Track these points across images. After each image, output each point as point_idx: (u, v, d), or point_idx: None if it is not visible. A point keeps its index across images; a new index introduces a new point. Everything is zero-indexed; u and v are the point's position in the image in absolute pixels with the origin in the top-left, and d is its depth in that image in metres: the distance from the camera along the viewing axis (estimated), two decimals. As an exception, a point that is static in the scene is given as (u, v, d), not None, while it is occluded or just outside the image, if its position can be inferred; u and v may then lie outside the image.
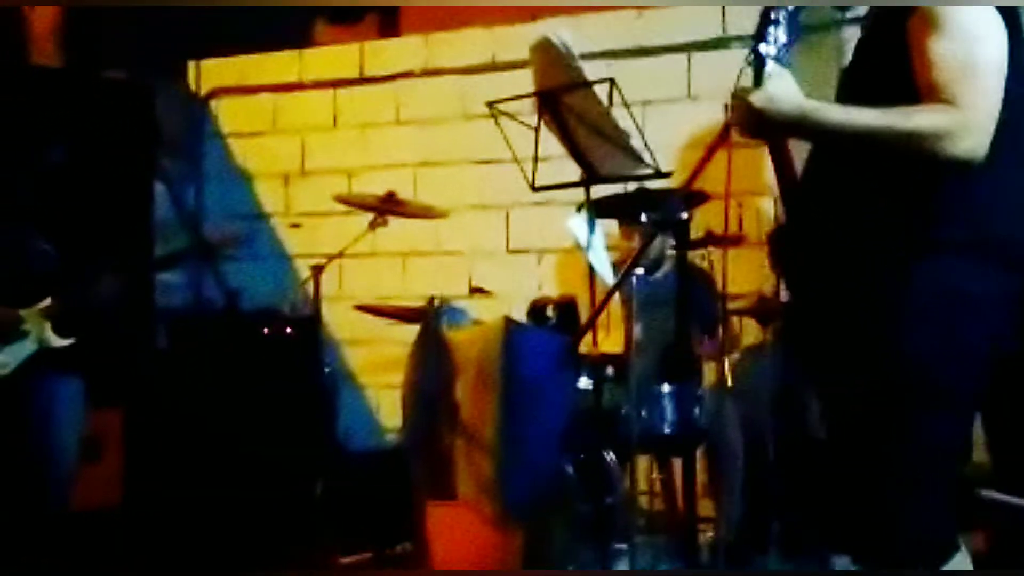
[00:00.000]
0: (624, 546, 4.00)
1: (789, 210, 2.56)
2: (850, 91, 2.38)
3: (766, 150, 4.20)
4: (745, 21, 4.74)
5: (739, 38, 4.89)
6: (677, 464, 4.24)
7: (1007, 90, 2.17)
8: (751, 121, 2.27)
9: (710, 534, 4.13)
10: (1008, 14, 2.21)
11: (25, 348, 3.90)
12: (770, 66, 2.26)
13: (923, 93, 2.16)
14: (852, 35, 4.44)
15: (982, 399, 2.28)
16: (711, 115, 4.68)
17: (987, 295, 2.22)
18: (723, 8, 5.00)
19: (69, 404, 4.10)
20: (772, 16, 2.28)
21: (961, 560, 2.28)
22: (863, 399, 2.28)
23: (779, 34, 2.27)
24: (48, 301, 3.96)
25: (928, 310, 2.19)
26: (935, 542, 2.27)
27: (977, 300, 2.21)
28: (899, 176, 2.21)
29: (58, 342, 3.97)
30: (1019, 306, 2.28)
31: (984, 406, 2.29)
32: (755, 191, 4.85)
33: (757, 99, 2.24)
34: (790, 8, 2.31)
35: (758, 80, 2.26)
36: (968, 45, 2.15)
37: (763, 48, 2.26)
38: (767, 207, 4.79)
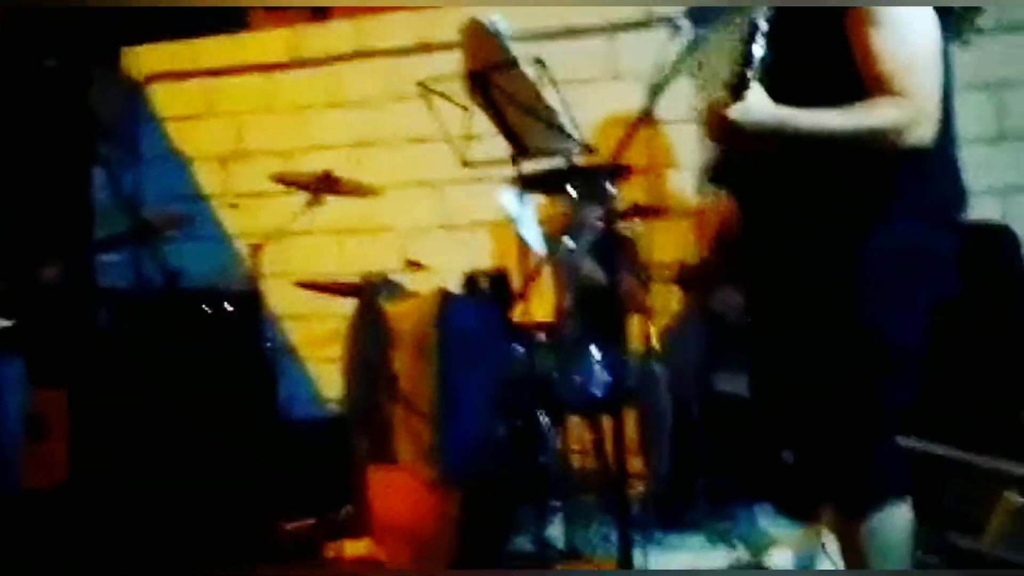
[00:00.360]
0: (558, 503, 4.08)
1: (720, 175, 2.58)
2: (776, 88, 2.33)
3: (685, 129, 4.29)
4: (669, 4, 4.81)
5: (661, 19, 4.89)
6: (608, 425, 4.21)
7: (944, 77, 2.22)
8: (728, 133, 2.29)
9: (640, 488, 4.20)
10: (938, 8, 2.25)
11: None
12: (751, 75, 2.24)
13: (871, 86, 2.19)
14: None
15: (929, 358, 2.31)
16: (635, 94, 4.72)
17: (935, 253, 2.30)
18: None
19: (12, 384, 4.10)
20: (754, 35, 2.25)
21: (904, 510, 2.32)
22: (825, 357, 2.30)
23: (757, 51, 2.25)
24: (-10, 282, 3.94)
25: (889, 271, 2.24)
26: (887, 491, 2.30)
27: (927, 257, 2.28)
28: (856, 162, 2.25)
29: (1, 323, 3.95)
30: (958, 260, 2.34)
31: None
32: (675, 165, 4.94)
33: (736, 113, 2.24)
34: (764, 28, 2.26)
35: (736, 94, 2.24)
36: (910, 37, 2.18)
37: (755, 50, 2.23)
38: (687, 181, 4.89)
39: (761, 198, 2.48)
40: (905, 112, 2.17)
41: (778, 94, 2.28)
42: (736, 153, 2.54)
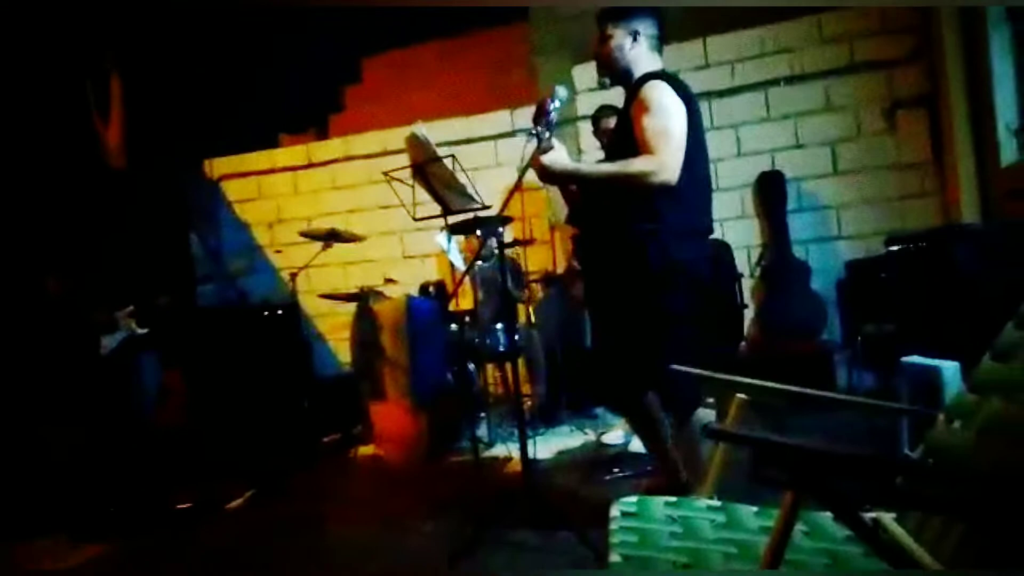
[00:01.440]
0: (483, 414, 4.10)
1: (573, 218, 2.54)
2: (612, 149, 2.30)
3: (550, 190, 4.13)
4: (526, 120, 4.82)
5: (523, 130, 4.94)
6: (509, 368, 4.29)
7: (689, 139, 2.14)
8: (544, 174, 2.24)
9: (529, 403, 4.20)
10: (685, 93, 2.17)
11: (119, 336, 3.75)
12: (546, 141, 2.20)
13: (639, 148, 2.13)
14: (583, 127, 4.62)
15: (695, 312, 2.22)
16: (510, 173, 4.73)
17: (690, 257, 2.20)
18: (511, 112, 5.03)
19: (151, 368, 3.95)
20: (546, 111, 2.22)
21: (703, 414, 2.25)
22: (623, 317, 2.22)
23: (553, 118, 2.22)
24: (131, 307, 3.79)
25: (658, 270, 2.17)
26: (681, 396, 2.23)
27: (685, 261, 2.18)
28: (629, 196, 2.18)
29: (140, 332, 3.80)
30: (709, 259, 2.29)
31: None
32: (538, 214, 4.95)
33: (547, 161, 2.21)
34: (558, 103, 2.23)
35: (539, 149, 2.21)
36: (661, 115, 2.11)
37: (540, 130, 2.21)
38: (545, 223, 4.90)
39: (589, 228, 2.46)
40: (650, 163, 2.08)
41: (612, 152, 2.24)
42: (575, 204, 2.51)
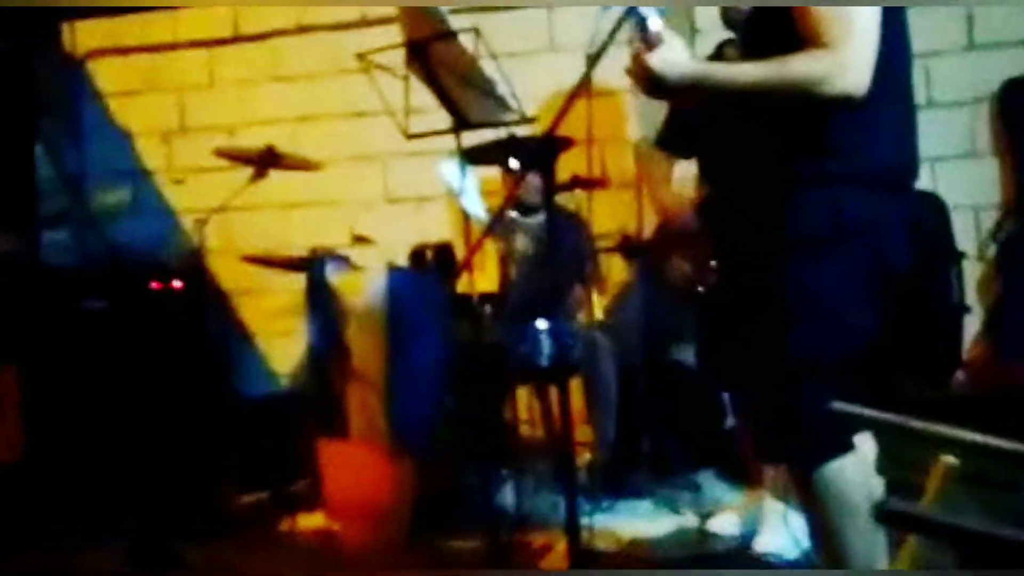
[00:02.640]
0: (507, 470, 4.10)
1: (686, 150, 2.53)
2: (749, 43, 2.39)
3: (623, 99, 4.28)
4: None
5: None
6: (555, 395, 4.28)
7: (887, 30, 2.16)
8: (651, 83, 2.27)
9: (587, 456, 4.22)
10: None
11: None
12: (655, 27, 2.23)
13: (804, 41, 2.15)
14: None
15: (876, 320, 2.29)
16: (574, 63, 4.70)
17: (877, 220, 2.25)
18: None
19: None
20: None
21: (853, 460, 2.30)
22: (764, 333, 2.31)
23: None
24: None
25: (821, 241, 2.21)
26: (829, 444, 2.28)
27: (868, 225, 2.23)
28: (788, 118, 2.23)
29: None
30: (908, 226, 2.31)
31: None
32: (616, 138, 4.92)
33: (655, 63, 2.23)
34: None
35: (645, 41, 2.24)
36: None
37: (643, 9, 2.23)
38: (627, 152, 4.87)
39: (707, 165, 2.48)
40: (822, 63, 2.13)
41: (749, 51, 2.30)
42: (682, 118, 2.55)
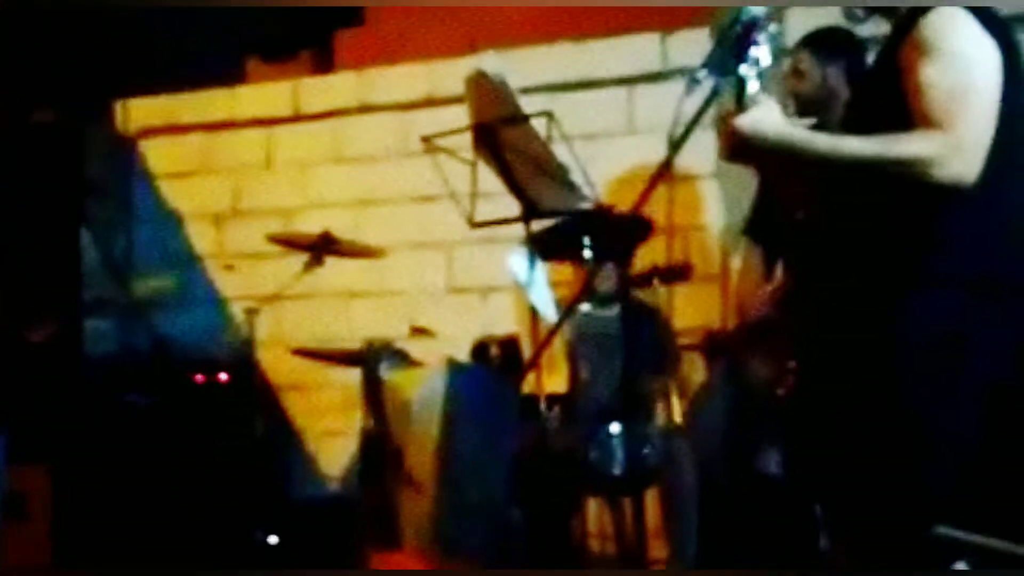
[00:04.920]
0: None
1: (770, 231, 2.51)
2: (852, 121, 2.42)
3: (707, 184, 4.22)
4: (687, 54, 4.78)
5: (678, 71, 4.92)
6: (629, 507, 4.20)
7: (1004, 115, 2.19)
8: (736, 147, 2.29)
9: (663, 576, 4.13)
10: (1003, 37, 2.24)
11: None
12: (753, 90, 2.26)
13: (916, 120, 2.18)
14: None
15: (980, 444, 2.25)
16: (652, 148, 4.69)
17: (991, 338, 2.23)
18: (662, 39, 5.03)
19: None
20: (753, 37, 2.27)
21: None
22: (862, 444, 2.27)
23: (760, 55, 2.27)
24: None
25: (928, 351, 2.20)
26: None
27: (981, 343, 2.22)
28: (894, 206, 2.23)
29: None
30: (1014, 335, 2.27)
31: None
32: (699, 226, 4.88)
33: (743, 124, 2.25)
34: (771, 30, 2.31)
35: (740, 103, 2.27)
36: (957, 69, 2.19)
37: (743, 69, 2.26)
38: (711, 241, 4.83)
39: (797, 256, 2.45)
40: (934, 144, 2.15)
41: (854, 127, 2.32)
42: (773, 201, 2.52)
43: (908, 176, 2.16)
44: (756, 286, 3.98)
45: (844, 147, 2.24)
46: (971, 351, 2.21)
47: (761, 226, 3.93)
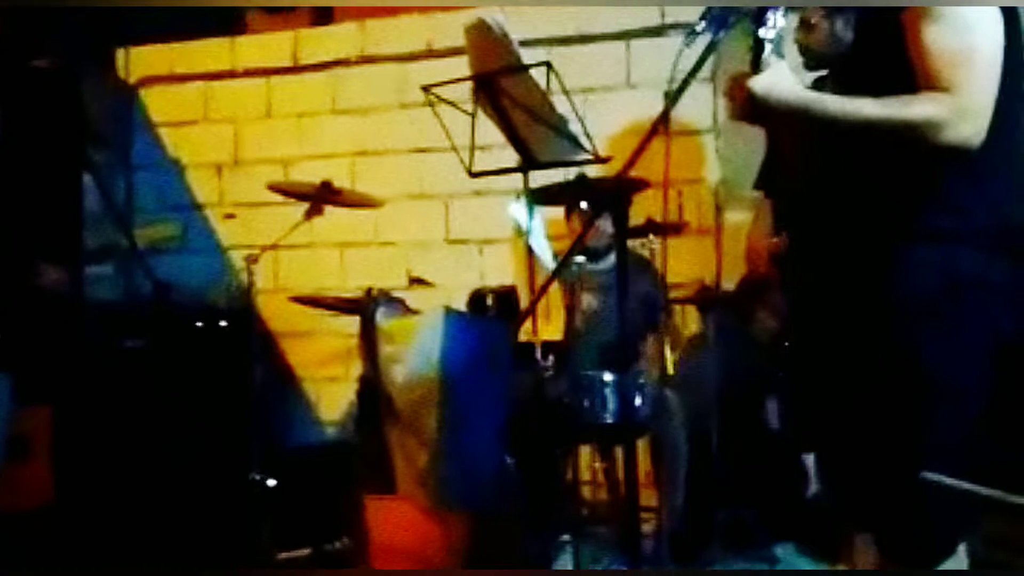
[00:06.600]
0: (567, 536, 4.05)
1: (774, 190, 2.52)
2: (845, 81, 2.38)
3: (703, 140, 4.24)
4: (685, 10, 4.78)
5: (676, 25, 4.93)
6: (620, 453, 4.24)
7: (1006, 79, 2.18)
8: (750, 108, 2.28)
9: (653, 523, 4.14)
10: (1005, 8, 2.22)
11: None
12: (767, 53, 2.25)
13: (920, 82, 2.17)
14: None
15: (987, 396, 2.26)
16: (650, 103, 4.69)
17: (993, 286, 2.23)
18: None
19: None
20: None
21: (956, 562, 2.26)
22: (864, 396, 2.28)
23: (778, 19, 2.26)
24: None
25: (932, 303, 2.20)
26: (934, 543, 2.26)
27: (984, 292, 2.22)
28: (899, 165, 2.22)
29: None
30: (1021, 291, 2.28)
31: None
32: (694, 180, 4.89)
33: (758, 86, 2.24)
34: None
35: (756, 65, 2.25)
36: (963, 32, 2.16)
37: (762, 32, 2.24)
38: (707, 196, 4.84)
39: (805, 209, 2.45)
40: (946, 106, 2.14)
41: (848, 87, 2.30)
42: (780, 158, 2.51)
43: (917, 138, 2.16)
44: (766, 238, 4.00)
45: (857, 108, 2.22)
46: (971, 303, 2.20)
47: (772, 179, 3.94)
